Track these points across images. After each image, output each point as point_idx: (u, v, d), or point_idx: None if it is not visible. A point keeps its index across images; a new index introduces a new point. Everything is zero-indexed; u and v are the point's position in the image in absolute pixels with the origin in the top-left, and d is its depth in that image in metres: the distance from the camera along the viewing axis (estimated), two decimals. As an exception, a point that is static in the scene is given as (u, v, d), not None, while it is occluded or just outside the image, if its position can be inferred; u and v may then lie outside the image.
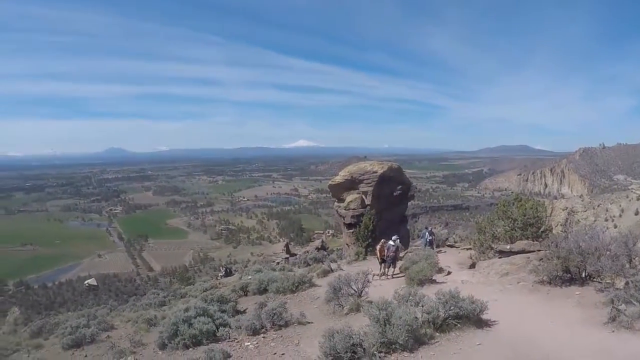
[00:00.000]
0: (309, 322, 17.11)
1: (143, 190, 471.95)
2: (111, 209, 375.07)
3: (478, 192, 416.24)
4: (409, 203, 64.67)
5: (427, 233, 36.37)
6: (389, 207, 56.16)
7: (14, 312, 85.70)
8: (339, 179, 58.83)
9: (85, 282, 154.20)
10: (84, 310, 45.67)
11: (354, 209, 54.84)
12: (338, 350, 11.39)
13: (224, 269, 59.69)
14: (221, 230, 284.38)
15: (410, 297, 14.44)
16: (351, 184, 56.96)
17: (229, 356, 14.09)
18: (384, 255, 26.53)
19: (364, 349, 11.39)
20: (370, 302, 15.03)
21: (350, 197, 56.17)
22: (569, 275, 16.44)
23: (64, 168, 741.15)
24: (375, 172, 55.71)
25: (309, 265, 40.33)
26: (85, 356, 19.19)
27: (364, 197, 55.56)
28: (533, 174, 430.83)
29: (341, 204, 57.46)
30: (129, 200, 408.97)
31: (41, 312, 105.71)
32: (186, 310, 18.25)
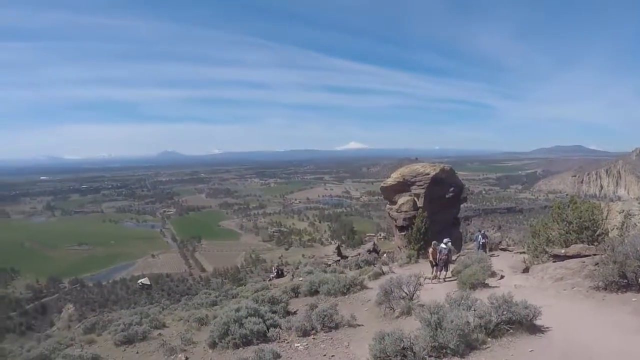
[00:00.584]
0: (359, 325, 17.05)
1: (196, 193, 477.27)
2: (165, 211, 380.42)
3: (532, 194, 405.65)
4: (462, 205, 63.81)
5: (480, 236, 35.98)
6: (441, 209, 55.57)
7: (69, 308, 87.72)
8: (390, 181, 58.50)
9: (139, 281, 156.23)
10: (137, 308, 46.34)
11: (405, 211, 54.46)
12: (388, 354, 11.31)
13: (276, 270, 59.77)
14: (273, 232, 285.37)
15: (463, 301, 14.25)
16: (403, 186, 56.56)
17: (279, 356, 14.12)
18: (437, 258, 26.33)
19: (414, 352, 11.25)
20: (422, 305, 14.93)
21: (402, 199, 55.81)
22: (626, 280, 15.96)
23: (119, 171, 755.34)
24: (428, 174, 55.18)
25: (361, 267, 40.16)
26: (137, 353, 19.45)
27: (416, 199, 55.11)
28: (588, 175, 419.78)
29: (393, 206, 57.14)
30: (182, 202, 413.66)
31: (95, 309, 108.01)
32: (237, 310, 18.32)
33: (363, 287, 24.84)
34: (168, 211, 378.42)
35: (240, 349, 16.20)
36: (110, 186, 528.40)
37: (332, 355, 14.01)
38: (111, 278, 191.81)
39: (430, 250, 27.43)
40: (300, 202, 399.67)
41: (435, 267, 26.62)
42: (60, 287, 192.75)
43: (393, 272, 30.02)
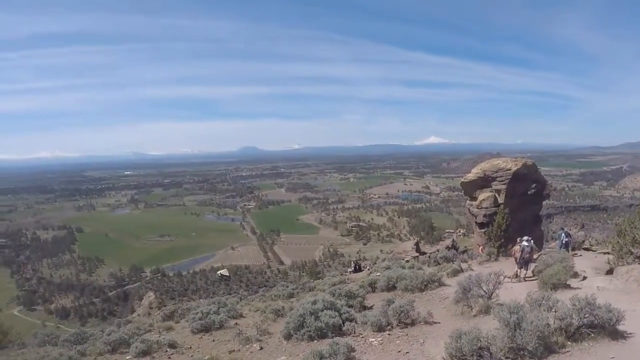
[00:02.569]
0: (435, 322, 16.81)
1: (276, 187, 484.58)
2: (245, 205, 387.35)
3: (617, 192, 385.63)
4: (544, 202, 62.51)
5: (563, 234, 35.03)
6: (523, 206, 54.52)
7: (150, 296, 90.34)
8: (471, 176, 57.86)
9: (218, 272, 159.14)
10: (215, 298, 47.07)
11: (486, 207, 53.76)
12: (464, 353, 11.10)
13: (354, 264, 59.72)
14: (351, 226, 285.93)
15: (543, 302, 13.88)
16: (484, 181, 55.84)
17: (353, 350, 14.03)
18: (519, 257, 25.77)
19: (490, 353, 10.99)
20: (501, 304, 14.60)
21: (483, 195, 55.09)
22: None
23: (201, 166, 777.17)
24: (509, 169, 54.26)
25: (439, 264, 39.68)
26: (213, 341, 19.69)
27: (497, 195, 54.31)
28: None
29: (473, 202, 56.49)
30: (262, 196, 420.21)
31: (174, 298, 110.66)
32: (314, 302, 18.33)
33: (441, 284, 24.51)
34: (248, 205, 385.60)
35: (315, 341, 16.23)
36: (192, 180, 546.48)
37: (407, 352, 13.86)
38: (191, 268, 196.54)
39: (516, 247, 26.86)
40: (379, 197, 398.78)
41: (517, 266, 26.10)
42: (142, 276, 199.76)
43: (472, 269, 29.59)
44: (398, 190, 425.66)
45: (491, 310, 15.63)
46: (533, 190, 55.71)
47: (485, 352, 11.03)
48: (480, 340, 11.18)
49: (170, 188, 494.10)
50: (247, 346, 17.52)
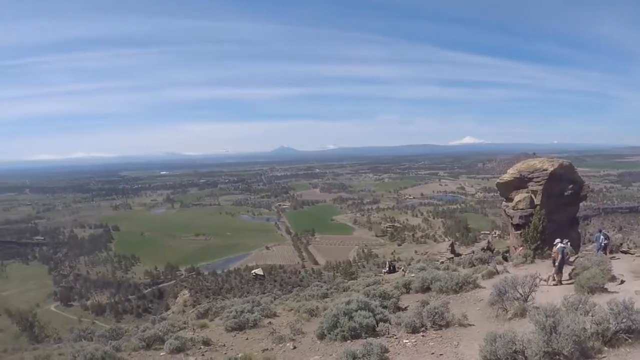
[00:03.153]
0: (470, 324, 16.74)
1: (310, 187, 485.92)
2: (280, 205, 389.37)
3: None
4: (581, 204, 61.70)
5: (601, 236, 34.50)
6: (559, 207, 53.88)
7: (184, 294, 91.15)
8: (507, 177, 57.43)
9: (253, 271, 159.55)
10: (249, 297, 47.36)
11: (522, 208, 53.32)
12: (499, 356, 11.03)
13: (388, 265, 59.57)
14: (386, 227, 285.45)
15: (580, 306, 13.71)
16: (520, 182, 55.38)
17: (387, 351, 13.98)
18: (560, 259, 25.44)
19: (525, 357, 10.90)
20: (537, 307, 14.47)
21: (519, 196, 54.65)
22: None
23: (236, 166, 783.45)
24: (545, 169, 53.72)
25: (474, 266, 39.40)
26: (246, 339, 19.85)
27: (533, 196, 53.83)
28: None
29: (509, 204, 56.08)
30: (297, 197, 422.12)
31: (209, 297, 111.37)
32: (348, 303, 18.38)
33: (476, 286, 24.41)
34: (283, 205, 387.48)
35: (349, 341, 16.26)
36: (227, 180, 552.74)
37: (441, 354, 13.82)
38: (226, 267, 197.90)
39: (555, 249, 26.52)
40: (414, 197, 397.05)
41: (555, 268, 25.77)
42: (177, 274, 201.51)
43: (507, 271, 29.38)
44: (433, 191, 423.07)
45: (527, 313, 15.53)
46: (570, 191, 55.04)
47: (520, 356, 10.96)
48: (515, 344, 11.11)
49: (206, 188, 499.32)
50: (281, 345, 17.68)
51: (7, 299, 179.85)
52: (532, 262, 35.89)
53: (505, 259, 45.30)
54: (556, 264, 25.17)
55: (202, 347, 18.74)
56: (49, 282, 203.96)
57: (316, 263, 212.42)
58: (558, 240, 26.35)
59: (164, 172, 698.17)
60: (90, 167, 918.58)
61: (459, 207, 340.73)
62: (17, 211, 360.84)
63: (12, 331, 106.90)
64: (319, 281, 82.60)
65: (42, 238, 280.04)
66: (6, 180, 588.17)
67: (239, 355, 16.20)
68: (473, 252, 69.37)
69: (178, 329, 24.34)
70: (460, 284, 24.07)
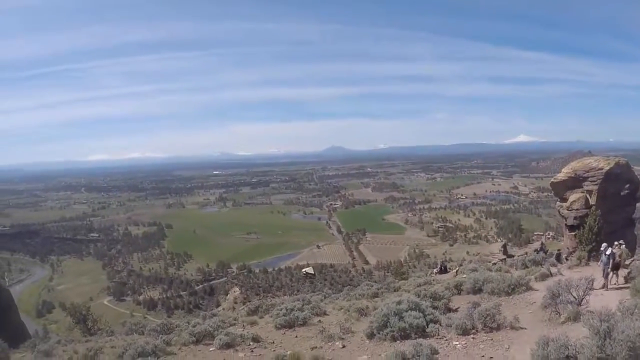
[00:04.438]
0: (522, 328, 16.49)
1: (362, 187, 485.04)
2: (331, 204, 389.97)
3: None
4: (638, 204, 60.39)
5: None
6: (615, 208, 52.81)
7: (235, 291, 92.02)
8: (561, 176, 56.67)
9: (303, 270, 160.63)
10: (300, 295, 47.62)
11: (577, 209, 52.46)
12: (551, 361, 10.82)
13: (439, 266, 59.18)
14: (438, 227, 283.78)
15: (636, 310, 13.38)
16: (574, 181, 54.51)
17: (436, 353, 13.96)
18: (611, 263, 24.78)
19: (578, 362, 10.69)
20: (591, 311, 14.18)
21: (574, 196, 53.79)
22: None
23: (288, 166, 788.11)
24: (601, 168, 52.71)
25: (527, 267, 38.75)
26: (296, 337, 19.95)
27: (588, 196, 52.88)
28: None
29: (563, 204, 55.25)
30: (348, 196, 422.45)
31: (259, 294, 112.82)
32: (399, 303, 18.35)
33: (528, 288, 24.01)
34: (334, 204, 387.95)
35: (398, 342, 16.20)
36: (279, 180, 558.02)
37: (491, 357, 13.69)
38: (277, 266, 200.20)
39: (618, 252, 25.82)
40: (466, 197, 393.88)
41: (611, 272, 25.09)
42: (228, 272, 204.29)
43: (561, 274, 28.79)
44: (486, 191, 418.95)
45: (580, 317, 15.19)
46: (626, 191, 53.91)
47: (573, 361, 10.72)
48: (568, 349, 10.90)
49: (258, 187, 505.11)
50: (330, 344, 17.70)
51: (63, 292, 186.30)
52: (586, 264, 35.20)
53: (559, 260, 44.45)
54: (608, 268, 24.44)
55: (251, 343, 18.91)
56: (102, 278, 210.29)
57: (367, 262, 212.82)
58: (605, 245, 25.67)
59: (217, 172, 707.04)
60: (145, 167, 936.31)
61: (512, 207, 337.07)
62: (73, 209, 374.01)
63: (66, 323, 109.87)
64: (369, 281, 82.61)
65: (97, 235, 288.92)
66: (63, 179, 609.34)
67: (288, 353, 16.24)
68: (526, 253, 68.51)
69: (228, 325, 24.54)
70: (512, 286, 23.74)
